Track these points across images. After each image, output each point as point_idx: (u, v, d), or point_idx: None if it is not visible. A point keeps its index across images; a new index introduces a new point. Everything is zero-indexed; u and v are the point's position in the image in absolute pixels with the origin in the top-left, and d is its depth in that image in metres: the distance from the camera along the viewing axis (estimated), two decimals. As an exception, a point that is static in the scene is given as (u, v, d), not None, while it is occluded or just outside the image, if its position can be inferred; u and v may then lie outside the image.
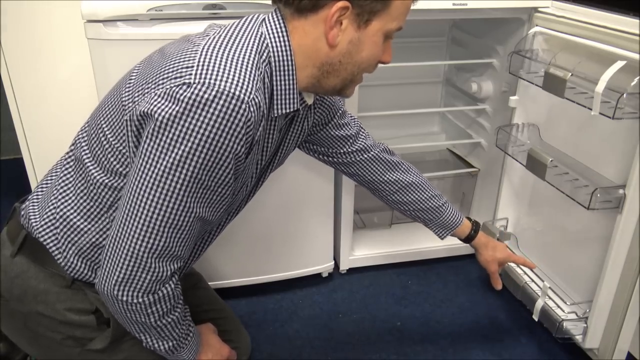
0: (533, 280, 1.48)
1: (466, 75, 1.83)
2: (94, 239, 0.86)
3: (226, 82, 0.72)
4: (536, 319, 1.40)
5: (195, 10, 1.25)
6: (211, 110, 0.72)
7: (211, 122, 0.72)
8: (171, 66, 0.77)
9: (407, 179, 1.20)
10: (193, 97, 0.71)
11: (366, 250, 1.76)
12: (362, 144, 1.16)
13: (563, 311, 1.37)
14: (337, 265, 1.73)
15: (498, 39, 1.66)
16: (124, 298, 0.78)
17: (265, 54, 0.80)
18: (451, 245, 1.80)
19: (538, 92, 1.40)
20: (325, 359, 1.41)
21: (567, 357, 1.41)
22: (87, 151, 0.86)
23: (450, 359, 1.41)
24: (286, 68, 0.82)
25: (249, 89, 0.74)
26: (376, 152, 1.18)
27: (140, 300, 0.79)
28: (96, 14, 1.21)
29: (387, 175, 1.20)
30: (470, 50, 1.84)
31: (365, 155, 1.17)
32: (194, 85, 0.72)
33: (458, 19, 1.86)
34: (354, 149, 1.16)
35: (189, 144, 0.72)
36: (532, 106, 1.50)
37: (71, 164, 0.90)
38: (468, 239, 1.29)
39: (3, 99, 1.85)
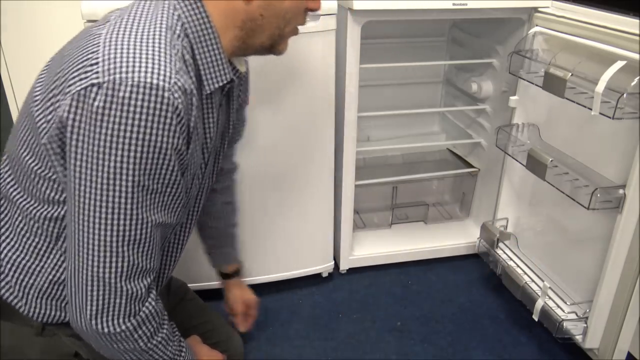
0: (533, 280, 1.48)
1: (466, 75, 1.83)
2: (51, 277, 0.78)
3: (139, 72, 0.64)
4: (536, 319, 1.40)
5: (195, 10, 1.25)
6: (131, 109, 0.63)
7: (136, 123, 0.64)
8: (73, 67, 0.67)
9: (232, 200, 1.18)
10: (106, 99, 0.63)
11: (366, 250, 1.76)
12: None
13: (563, 311, 1.37)
14: (337, 265, 1.73)
15: (498, 39, 1.66)
16: (106, 330, 0.71)
17: (178, 28, 0.71)
18: (451, 245, 1.81)
19: (538, 92, 1.40)
20: (325, 359, 1.41)
21: (567, 357, 1.41)
22: (15, 186, 0.77)
23: (450, 359, 1.42)
24: (207, 37, 0.73)
25: (168, 73, 0.65)
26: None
27: (124, 326, 0.72)
28: (96, 14, 1.21)
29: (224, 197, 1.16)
30: (470, 50, 1.84)
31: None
32: (104, 85, 0.63)
33: (458, 19, 1.86)
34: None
35: (119, 152, 0.64)
36: (532, 106, 1.50)
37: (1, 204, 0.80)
38: (228, 276, 1.24)
39: (3, 99, 1.85)
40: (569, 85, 1.21)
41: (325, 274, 1.71)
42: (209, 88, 0.75)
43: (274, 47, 0.82)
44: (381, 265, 1.77)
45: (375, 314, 1.57)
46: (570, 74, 1.21)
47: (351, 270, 1.74)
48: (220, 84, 0.76)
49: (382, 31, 1.86)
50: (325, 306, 1.60)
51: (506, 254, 1.60)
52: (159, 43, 0.67)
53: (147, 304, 0.75)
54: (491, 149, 1.71)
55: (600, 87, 1.11)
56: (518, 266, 1.55)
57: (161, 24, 0.69)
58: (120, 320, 0.72)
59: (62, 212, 0.74)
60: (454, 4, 1.39)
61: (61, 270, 0.78)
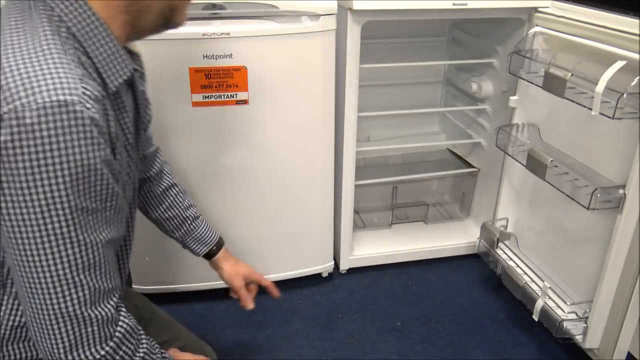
0: (533, 280, 1.48)
1: (466, 75, 1.83)
2: (10, 323, 0.73)
3: (41, 91, 0.57)
4: (536, 319, 1.40)
5: (195, 10, 1.25)
6: (44, 134, 0.57)
7: (54, 147, 0.58)
8: None
9: (173, 182, 1.11)
10: (12, 131, 0.57)
11: (366, 250, 1.76)
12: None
13: (563, 311, 1.37)
14: (337, 265, 1.73)
15: (498, 39, 1.66)
16: None
17: (63, 30, 0.64)
18: (451, 245, 1.81)
19: (538, 92, 1.40)
20: (325, 359, 1.41)
21: (567, 357, 1.41)
22: None
23: (450, 359, 1.42)
24: (96, 32, 0.66)
25: (73, 85, 0.59)
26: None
27: (103, 352, 0.69)
28: (96, 14, 1.21)
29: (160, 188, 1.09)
30: (470, 50, 1.84)
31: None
32: (6, 117, 0.57)
33: (458, 19, 1.86)
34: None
35: (45, 183, 0.59)
36: (532, 106, 1.50)
37: None
38: (211, 254, 1.15)
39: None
40: (569, 85, 1.21)
41: (325, 274, 1.71)
42: (113, 85, 0.69)
43: (169, 21, 0.75)
44: (381, 265, 1.77)
45: (375, 314, 1.57)
46: (570, 74, 1.21)
47: (351, 270, 1.74)
48: (125, 77, 0.70)
49: (382, 31, 1.86)
50: (325, 306, 1.60)
51: (506, 254, 1.60)
52: (51, 53, 0.61)
53: (120, 323, 0.72)
54: (491, 149, 1.71)
55: (600, 87, 1.11)
56: (518, 266, 1.55)
57: (44, 31, 0.62)
58: (98, 347, 0.69)
59: (1, 259, 0.69)
60: (454, 4, 1.39)
61: (19, 314, 0.73)
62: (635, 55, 1.10)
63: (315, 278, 1.69)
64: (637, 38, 1.11)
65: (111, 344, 0.70)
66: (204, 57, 1.28)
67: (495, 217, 1.70)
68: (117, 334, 0.71)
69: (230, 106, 1.35)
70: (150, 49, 1.24)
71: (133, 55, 0.79)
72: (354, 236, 1.72)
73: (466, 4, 1.40)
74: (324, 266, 1.68)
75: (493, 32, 1.68)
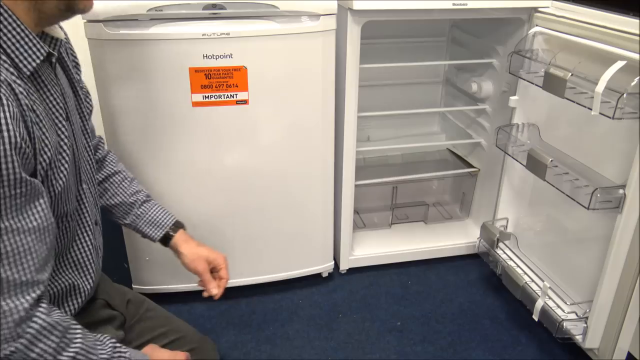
0: (533, 280, 1.48)
1: (466, 75, 1.83)
2: None
3: None
4: (536, 319, 1.40)
5: (195, 10, 1.25)
6: None
7: None
8: None
9: (117, 170, 1.10)
10: None
11: (366, 250, 1.76)
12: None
13: (563, 311, 1.37)
14: (337, 265, 1.73)
15: (498, 39, 1.66)
16: None
17: None
18: (451, 245, 1.81)
19: (538, 92, 1.40)
20: (325, 359, 1.41)
21: (567, 357, 1.41)
22: None
23: (450, 359, 1.41)
24: (1, 17, 0.68)
25: None
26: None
27: (8, 351, 0.65)
28: (96, 14, 1.21)
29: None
30: (470, 50, 1.84)
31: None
32: None
33: (458, 19, 1.86)
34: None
35: None
36: (532, 106, 1.50)
37: None
38: (166, 239, 1.09)
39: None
40: (569, 85, 1.21)
41: (325, 274, 1.71)
42: (27, 69, 0.71)
43: (72, 7, 0.76)
44: (381, 265, 1.77)
45: (375, 314, 1.57)
46: (570, 74, 1.21)
47: (351, 270, 1.74)
48: (37, 61, 0.72)
49: (382, 31, 1.86)
50: (325, 306, 1.60)
51: (506, 254, 1.60)
52: None
53: (35, 319, 0.67)
54: (491, 149, 1.71)
55: (600, 87, 1.11)
56: (518, 266, 1.55)
57: None
58: (4, 345, 0.65)
59: None
60: (454, 4, 1.39)
61: None
62: (635, 55, 1.10)
63: (315, 278, 1.69)
64: (637, 38, 1.11)
65: (22, 342, 0.66)
66: (204, 57, 1.28)
67: (495, 217, 1.69)
68: (29, 330, 0.67)
69: (231, 106, 1.35)
70: (150, 49, 1.25)
71: (56, 41, 0.80)
72: (354, 236, 1.72)
73: (466, 4, 1.40)
74: (324, 266, 1.68)
75: (493, 32, 1.68)
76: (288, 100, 1.39)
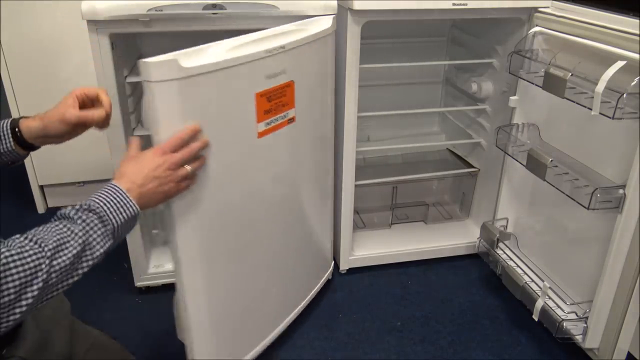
0: (533, 280, 1.48)
1: (466, 75, 1.83)
2: None
3: None
4: (536, 319, 1.40)
5: (195, 10, 1.25)
6: None
7: None
8: None
9: None
10: None
11: (366, 250, 1.76)
12: None
13: (563, 311, 1.37)
14: (337, 265, 1.73)
15: (498, 39, 1.66)
16: None
17: None
18: (451, 245, 1.81)
19: (538, 92, 1.40)
20: (325, 359, 1.41)
21: (567, 357, 1.41)
22: None
23: (450, 359, 1.42)
24: None
25: None
26: None
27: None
28: (96, 14, 1.21)
29: None
30: (470, 50, 1.84)
31: None
32: None
33: (458, 19, 1.86)
34: None
35: None
36: (532, 106, 1.50)
37: None
38: (26, 144, 0.93)
39: (3, 99, 1.85)
40: (569, 85, 1.21)
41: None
42: None
43: None
44: (381, 265, 1.77)
45: (375, 314, 1.57)
46: (570, 74, 1.21)
47: (351, 270, 1.74)
48: None
49: (382, 31, 1.86)
50: (325, 306, 1.60)
51: (506, 254, 1.60)
52: None
53: None
54: (491, 149, 1.71)
55: (600, 87, 1.11)
56: (518, 266, 1.55)
57: None
58: None
59: None
60: (454, 4, 1.40)
61: None
62: (635, 55, 1.10)
63: (315, 278, 1.69)
64: (637, 38, 1.11)
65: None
66: (266, 77, 1.12)
67: (495, 217, 1.70)
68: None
69: (284, 127, 1.21)
70: (221, 81, 1.04)
71: None
72: (354, 236, 1.72)
73: (466, 4, 1.40)
74: (327, 272, 1.68)
75: (493, 32, 1.68)
76: (311, 107, 1.34)
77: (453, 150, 1.98)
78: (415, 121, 2.08)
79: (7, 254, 0.63)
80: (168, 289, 1.62)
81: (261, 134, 1.15)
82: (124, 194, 0.77)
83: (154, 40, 1.74)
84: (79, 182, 2.07)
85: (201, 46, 1.02)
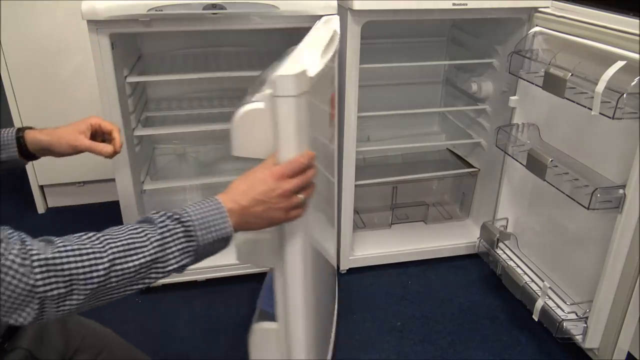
0: (533, 280, 1.48)
1: (466, 75, 1.83)
2: None
3: None
4: (536, 319, 1.40)
5: (195, 10, 1.25)
6: None
7: None
8: None
9: None
10: None
11: (366, 250, 1.76)
12: None
13: (563, 311, 1.37)
14: (337, 265, 1.73)
15: (498, 39, 1.66)
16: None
17: None
18: (451, 245, 1.81)
19: (538, 92, 1.40)
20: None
21: (567, 357, 1.41)
22: None
23: (450, 359, 1.42)
24: None
25: None
26: None
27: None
28: (96, 14, 1.21)
29: None
30: (470, 50, 1.84)
31: None
32: None
33: (458, 19, 1.86)
34: None
35: None
36: (532, 106, 1.50)
37: None
38: (25, 146, 0.95)
39: (3, 99, 1.85)
40: (569, 85, 1.21)
41: (325, 274, 1.71)
42: None
43: None
44: (381, 265, 1.77)
45: (375, 314, 1.57)
46: (570, 74, 1.21)
47: (351, 270, 1.74)
48: None
49: (382, 31, 1.86)
50: (325, 306, 1.60)
51: (506, 254, 1.60)
52: None
53: (10, 255, 0.59)
54: (491, 149, 1.71)
55: (600, 87, 1.11)
56: (518, 266, 1.55)
57: None
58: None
59: None
60: (454, 4, 1.40)
61: None
62: (635, 55, 1.10)
63: (315, 278, 1.69)
64: (637, 38, 1.11)
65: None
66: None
67: (495, 217, 1.70)
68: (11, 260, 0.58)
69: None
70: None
71: None
72: (354, 236, 1.72)
73: (466, 4, 1.40)
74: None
75: (493, 32, 1.68)
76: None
77: (453, 150, 1.98)
78: (415, 121, 2.08)
79: (62, 248, 0.62)
80: (168, 289, 1.62)
81: (331, 141, 1.13)
82: (223, 212, 0.71)
83: (154, 40, 1.74)
84: (79, 182, 2.07)
85: (293, 54, 0.96)
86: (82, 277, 0.61)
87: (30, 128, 0.96)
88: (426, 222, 1.92)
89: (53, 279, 0.60)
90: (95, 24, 1.24)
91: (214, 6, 1.26)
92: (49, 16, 1.76)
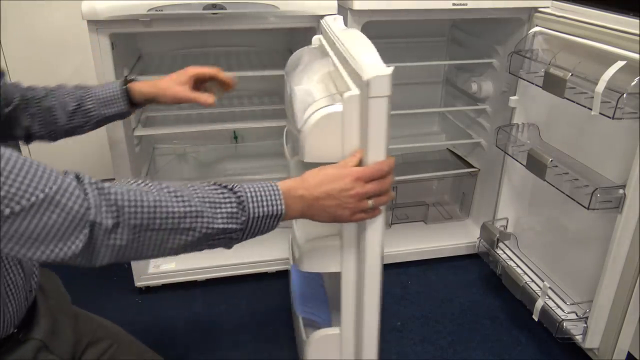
0: (533, 280, 1.48)
1: (466, 75, 1.83)
2: None
3: None
4: (536, 319, 1.40)
5: (195, 10, 1.25)
6: None
7: None
8: None
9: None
10: None
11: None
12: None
13: (563, 311, 1.37)
14: (337, 265, 1.73)
15: (498, 39, 1.66)
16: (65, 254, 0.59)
17: None
18: (451, 245, 1.81)
19: (538, 92, 1.40)
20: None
21: (567, 357, 1.41)
22: None
23: (450, 359, 1.41)
24: None
25: None
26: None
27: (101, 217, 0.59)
28: (96, 14, 1.21)
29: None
30: (470, 50, 1.84)
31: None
32: None
33: (458, 19, 1.86)
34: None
35: None
36: (532, 106, 1.50)
37: None
38: (130, 97, 1.03)
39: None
40: (569, 85, 1.21)
41: (325, 274, 1.71)
42: None
43: None
44: (381, 265, 1.76)
45: (375, 314, 1.57)
46: (570, 74, 1.21)
47: (351, 270, 1.74)
48: None
49: (382, 31, 1.85)
50: (325, 306, 1.60)
51: (506, 254, 1.60)
52: None
53: (71, 181, 0.60)
54: (491, 149, 1.71)
55: (600, 87, 1.11)
56: (518, 266, 1.55)
57: None
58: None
59: None
60: (454, 4, 1.39)
61: None
62: (635, 55, 1.10)
63: (315, 278, 1.69)
64: (637, 38, 1.11)
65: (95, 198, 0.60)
66: None
67: (495, 217, 1.69)
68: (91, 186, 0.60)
69: None
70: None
71: None
72: (354, 236, 1.72)
73: (466, 4, 1.40)
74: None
75: (493, 32, 1.68)
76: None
77: (453, 150, 1.98)
78: (415, 121, 2.08)
79: (114, 184, 0.63)
80: (168, 289, 1.62)
81: None
82: (277, 192, 0.73)
83: (154, 40, 1.74)
84: (79, 182, 2.07)
85: (355, 55, 0.98)
86: (128, 206, 0.62)
87: (131, 80, 1.04)
88: (426, 222, 1.92)
89: (104, 206, 0.61)
90: (95, 24, 1.24)
91: (214, 6, 1.26)
92: (49, 16, 1.76)
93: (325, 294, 1.30)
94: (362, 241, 0.88)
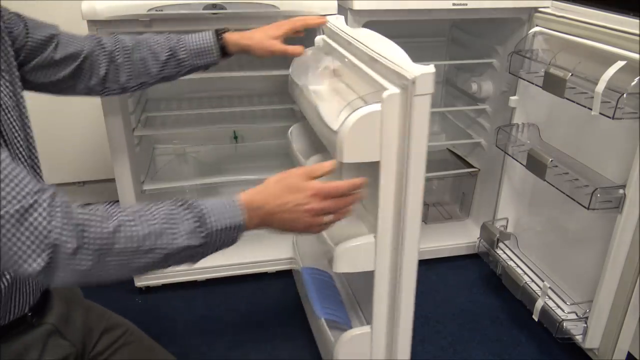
0: (533, 280, 1.48)
1: (466, 75, 1.83)
2: None
3: None
4: (536, 319, 1.40)
5: (195, 10, 1.25)
6: None
7: None
8: None
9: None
10: None
11: (366, 250, 1.75)
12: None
13: (563, 311, 1.37)
14: (337, 265, 1.73)
15: (498, 39, 1.66)
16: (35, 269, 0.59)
17: None
18: (451, 245, 1.81)
19: (538, 92, 1.40)
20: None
21: (567, 357, 1.41)
22: None
23: (450, 359, 1.41)
24: None
25: None
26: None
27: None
28: (96, 14, 1.21)
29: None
30: (470, 50, 1.84)
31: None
32: None
33: (458, 19, 1.86)
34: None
35: None
36: (532, 106, 1.50)
37: None
38: (223, 47, 1.07)
39: (3, 99, 1.85)
40: (569, 85, 1.21)
41: (325, 274, 1.71)
42: None
43: None
44: (381, 265, 1.76)
45: (375, 314, 1.57)
46: (570, 74, 1.21)
47: (351, 270, 1.74)
48: None
49: (382, 31, 1.85)
50: (325, 306, 1.60)
51: (506, 254, 1.60)
52: None
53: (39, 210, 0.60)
54: (491, 149, 1.71)
55: (600, 87, 1.11)
56: (518, 266, 1.55)
57: None
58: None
59: None
60: (454, 4, 1.40)
61: None
62: (635, 55, 1.10)
63: (315, 278, 1.69)
64: (637, 38, 1.11)
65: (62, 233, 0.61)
66: None
67: (495, 217, 1.69)
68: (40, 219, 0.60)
69: None
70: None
71: None
72: (354, 236, 1.72)
73: (466, 4, 1.40)
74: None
75: (493, 32, 1.68)
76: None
77: (453, 150, 1.98)
78: (415, 121, 2.07)
79: (79, 208, 0.64)
80: (168, 289, 1.62)
81: None
82: (235, 203, 0.73)
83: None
84: (79, 182, 2.07)
85: (389, 55, 1.02)
86: (91, 230, 0.63)
87: (224, 31, 1.07)
88: (426, 222, 1.92)
89: (68, 230, 0.61)
90: (95, 24, 1.24)
91: (214, 6, 1.26)
92: (49, 16, 1.76)
93: (339, 294, 1.31)
94: (401, 239, 0.90)
